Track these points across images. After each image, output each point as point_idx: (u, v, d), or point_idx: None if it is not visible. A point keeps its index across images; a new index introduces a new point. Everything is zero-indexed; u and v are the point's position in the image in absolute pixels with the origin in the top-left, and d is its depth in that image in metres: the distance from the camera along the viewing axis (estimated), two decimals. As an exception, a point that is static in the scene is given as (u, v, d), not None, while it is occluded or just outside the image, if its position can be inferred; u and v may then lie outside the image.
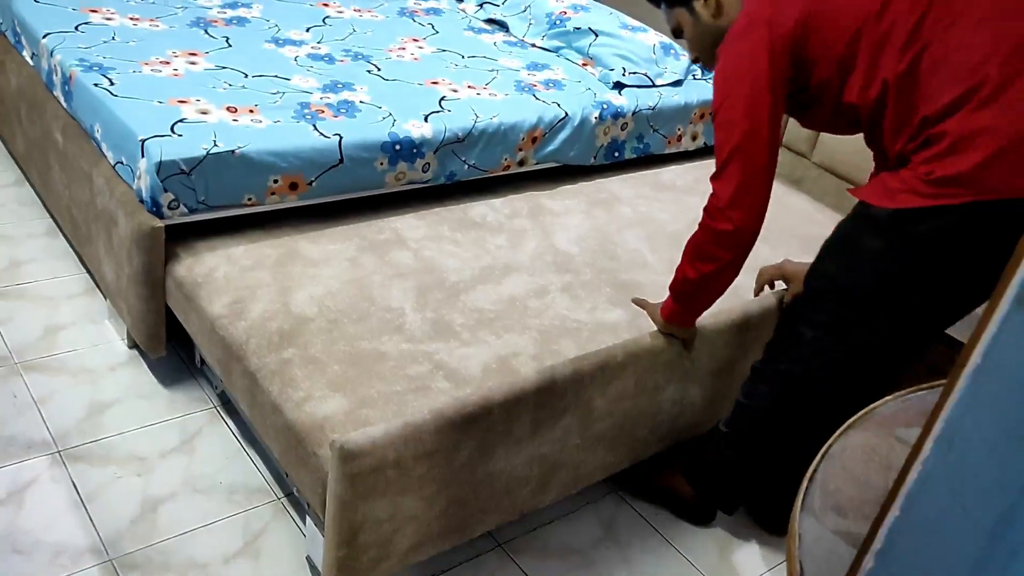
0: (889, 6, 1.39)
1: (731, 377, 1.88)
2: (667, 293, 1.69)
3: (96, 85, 1.98)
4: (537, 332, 1.72)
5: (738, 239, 1.51)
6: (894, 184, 1.39)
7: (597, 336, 1.73)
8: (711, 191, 1.52)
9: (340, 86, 2.22)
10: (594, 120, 2.42)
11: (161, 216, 1.81)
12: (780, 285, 1.90)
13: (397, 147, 2.06)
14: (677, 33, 1.63)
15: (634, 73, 2.62)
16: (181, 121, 1.89)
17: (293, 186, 1.94)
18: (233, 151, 1.84)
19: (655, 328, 1.75)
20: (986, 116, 1.30)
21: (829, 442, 1.08)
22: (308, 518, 1.57)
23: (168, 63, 2.15)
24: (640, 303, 1.81)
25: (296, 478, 1.50)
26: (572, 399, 1.59)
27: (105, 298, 2.12)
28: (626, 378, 1.67)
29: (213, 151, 1.82)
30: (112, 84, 1.99)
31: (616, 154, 2.52)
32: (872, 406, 1.17)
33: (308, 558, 1.63)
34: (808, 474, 1.05)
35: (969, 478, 0.58)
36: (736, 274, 1.58)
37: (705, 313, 1.70)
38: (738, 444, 1.74)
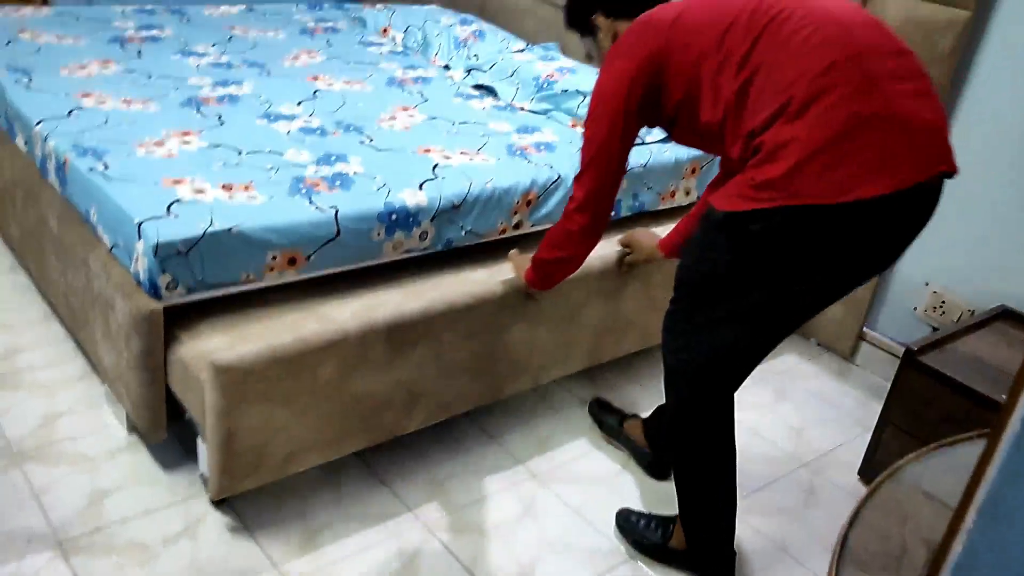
0: (726, 36, 1.56)
1: (577, 323, 2.31)
2: None
3: (91, 169, 1.98)
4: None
5: (580, 238, 1.86)
6: (731, 190, 1.55)
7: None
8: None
9: (334, 158, 2.23)
10: (587, 180, 2.43)
11: (159, 298, 1.79)
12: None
13: (393, 216, 2.06)
14: (589, 58, 1.94)
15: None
16: (177, 201, 1.88)
17: (291, 261, 1.93)
18: (230, 229, 1.83)
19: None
20: (794, 128, 1.44)
21: (859, 503, 1.05)
22: (199, 438, 1.82)
23: (162, 143, 2.16)
24: (512, 256, 2.14)
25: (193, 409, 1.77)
26: (422, 332, 1.98)
27: (103, 383, 2.09)
28: (472, 318, 2.05)
29: (210, 230, 1.81)
30: (107, 168, 1.99)
31: (612, 213, 2.52)
32: (897, 464, 1.15)
33: (201, 475, 1.85)
34: (840, 535, 1.03)
35: (1017, 553, 0.56)
36: (580, 263, 1.95)
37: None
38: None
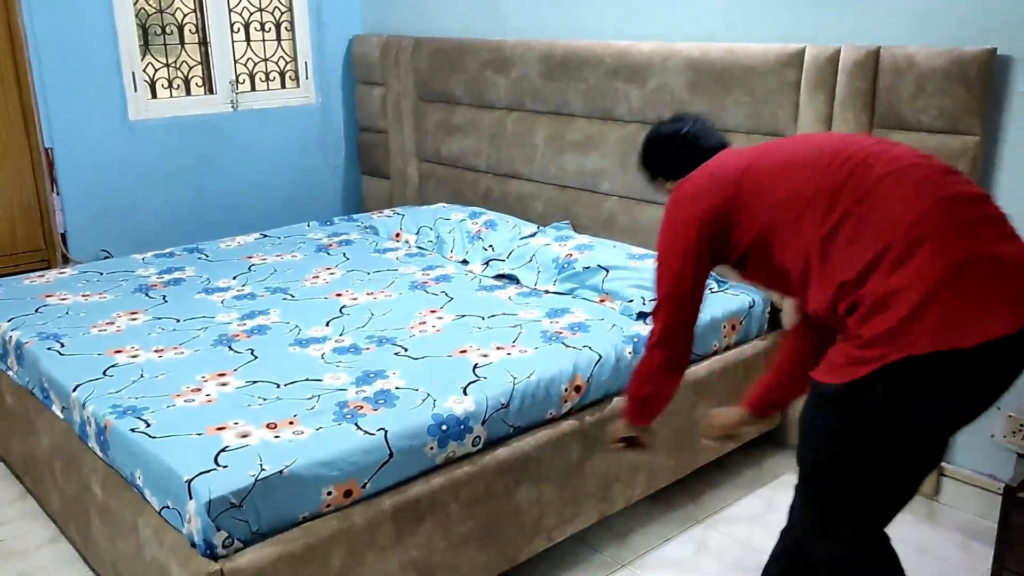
0: (808, 181, 1.55)
1: (581, 476, 2.26)
2: None
3: (133, 430, 1.93)
4: None
5: (663, 373, 1.86)
6: (837, 359, 1.50)
7: None
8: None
9: (372, 376, 2.19)
10: (628, 355, 2.38)
11: (216, 558, 1.70)
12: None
13: (444, 428, 1.99)
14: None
15: (653, 300, 2.61)
16: (224, 450, 1.82)
17: (347, 494, 1.85)
18: (281, 471, 1.76)
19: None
20: (899, 278, 1.41)
21: None
22: None
23: (199, 389, 2.12)
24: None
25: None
26: (427, 506, 1.95)
27: (161, 654, 1.95)
28: (474, 484, 2.03)
29: (261, 476, 1.74)
30: (148, 425, 1.95)
31: (691, 348, 2.41)
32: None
33: None
34: None
35: None
36: (670, 395, 1.91)
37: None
38: None
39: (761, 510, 2.57)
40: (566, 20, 3.35)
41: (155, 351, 2.37)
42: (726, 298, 2.71)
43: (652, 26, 3.07)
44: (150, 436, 1.90)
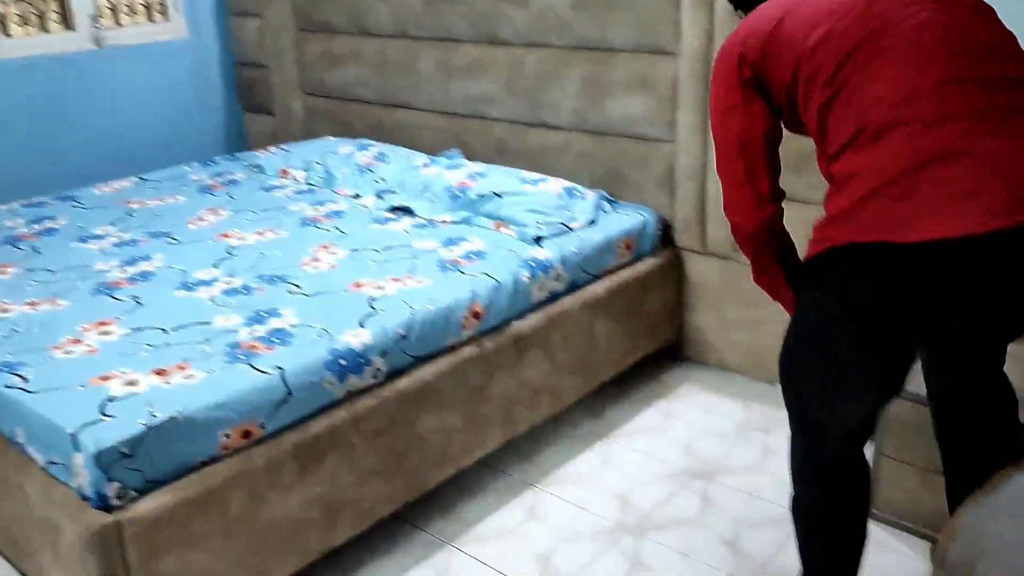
0: (820, 48, 1.45)
1: (484, 401, 2.21)
2: None
3: (8, 387, 1.83)
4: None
5: (738, 236, 1.70)
6: (815, 234, 1.46)
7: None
8: None
9: (265, 315, 2.13)
10: (526, 279, 2.38)
11: (110, 510, 1.64)
12: None
13: (342, 362, 1.96)
14: None
15: (548, 223, 2.62)
16: (110, 400, 1.75)
17: (246, 435, 1.80)
18: (174, 417, 1.70)
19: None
20: (862, 160, 1.37)
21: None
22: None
23: (79, 341, 2.02)
24: None
25: None
26: (329, 442, 1.92)
27: (62, 613, 1.89)
28: (376, 416, 2.01)
29: (152, 424, 1.68)
30: (26, 380, 1.84)
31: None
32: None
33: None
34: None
35: None
36: (764, 258, 1.68)
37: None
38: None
39: (659, 421, 2.65)
40: (446, -59, 3.25)
41: (28, 304, 2.24)
42: (619, 218, 2.74)
43: (534, -55, 3.00)
44: (28, 391, 1.80)
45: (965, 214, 1.28)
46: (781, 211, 1.66)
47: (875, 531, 1.94)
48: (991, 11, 1.47)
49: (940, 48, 1.38)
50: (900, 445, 2.03)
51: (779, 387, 1.64)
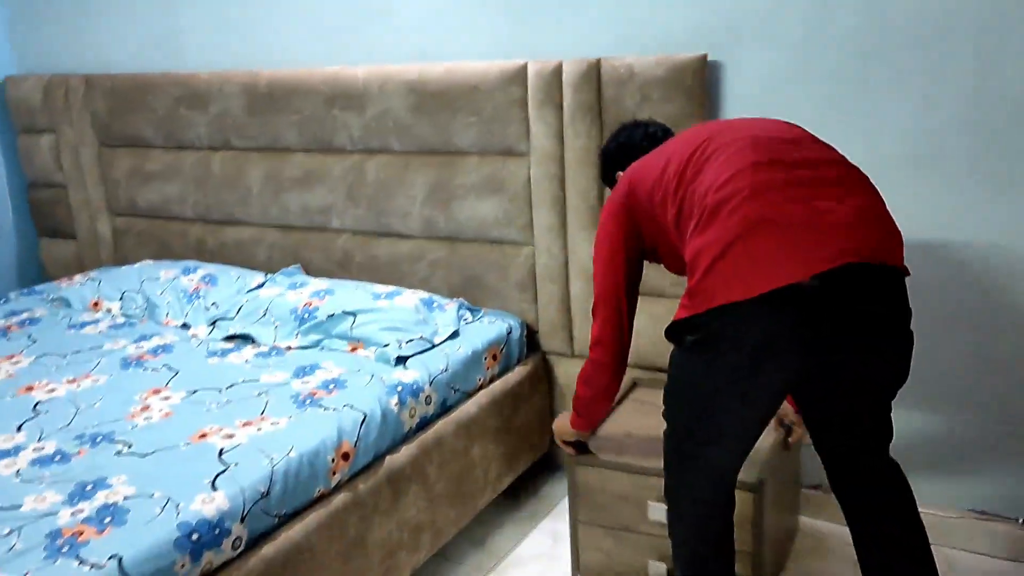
0: (668, 166, 1.73)
1: (363, 553, 2.02)
2: None
3: None
4: None
5: (602, 372, 1.94)
6: (680, 304, 1.62)
7: None
8: None
9: (90, 487, 1.77)
10: (394, 407, 2.15)
11: None
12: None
13: (195, 537, 1.64)
14: None
15: (410, 341, 2.41)
16: None
17: (78, 653, 1.44)
18: (-21, 648, 1.33)
19: None
20: (704, 238, 1.54)
21: None
22: None
23: None
24: (556, 422, 2.19)
25: None
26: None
27: None
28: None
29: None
30: None
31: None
32: None
33: None
34: None
35: None
36: (612, 396, 2.01)
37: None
38: None
39: (549, 544, 2.45)
40: (266, 48, 3.05)
41: None
42: (482, 327, 2.58)
43: (365, 49, 2.86)
44: None
45: (792, 263, 1.46)
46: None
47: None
48: (798, 127, 1.74)
49: (753, 144, 1.62)
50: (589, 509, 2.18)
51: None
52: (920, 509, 1.72)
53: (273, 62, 3.02)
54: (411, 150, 2.76)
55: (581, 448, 2.15)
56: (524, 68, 2.52)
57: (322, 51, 2.94)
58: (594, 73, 2.42)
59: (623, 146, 2.07)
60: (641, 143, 2.02)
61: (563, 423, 2.14)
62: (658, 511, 2.01)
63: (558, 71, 2.47)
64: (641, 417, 2.30)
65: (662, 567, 2.09)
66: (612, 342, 1.90)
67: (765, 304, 1.46)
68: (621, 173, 2.00)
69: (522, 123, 2.56)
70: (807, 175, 1.56)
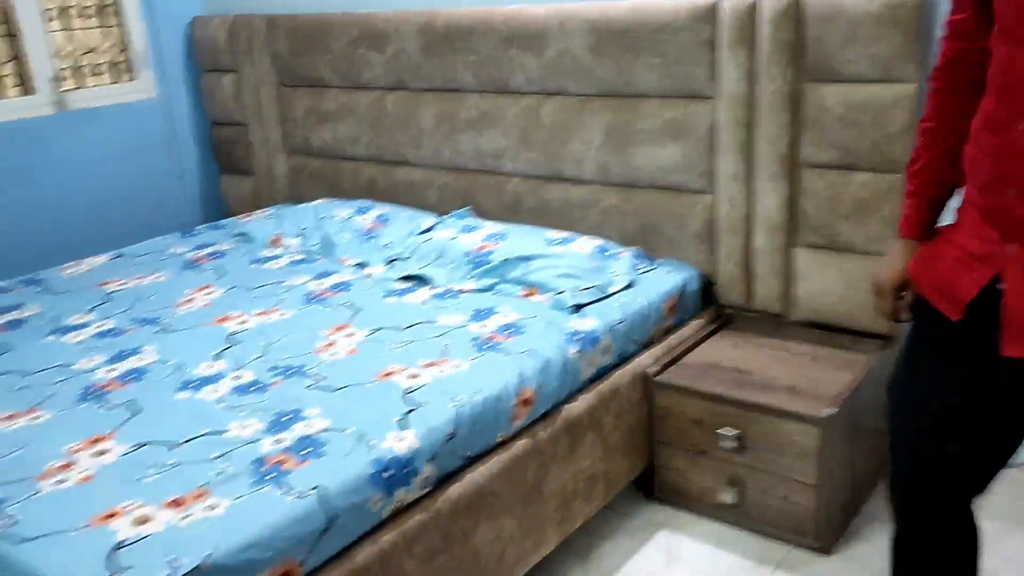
0: None
1: (540, 498, 1.97)
2: None
3: (-9, 535, 1.51)
4: None
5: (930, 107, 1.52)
6: None
7: None
8: None
9: (288, 418, 1.83)
10: (574, 355, 2.12)
11: None
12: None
13: (387, 474, 1.68)
14: None
15: (585, 289, 2.37)
16: (121, 546, 1.43)
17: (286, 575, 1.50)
18: (198, 566, 1.40)
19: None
20: None
21: None
22: None
23: (70, 465, 1.70)
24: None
25: None
26: (379, 572, 1.64)
27: None
28: (429, 534, 1.74)
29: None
30: (14, 524, 1.52)
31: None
32: None
33: None
34: None
35: None
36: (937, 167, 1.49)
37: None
38: None
39: (662, 563, 2.27)
40: (443, -14, 3.02)
41: (4, 417, 1.91)
42: (658, 278, 2.50)
43: (543, -14, 2.79)
44: (16, 538, 1.48)
45: None
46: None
47: None
48: None
49: None
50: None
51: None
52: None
53: (451, 2, 2.98)
54: (589, 92, 2.69)
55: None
56: (714, 6, 2.38)
57: (500, -11, 2.88)
58: (794, 10, 2.26)
59: None
60: None
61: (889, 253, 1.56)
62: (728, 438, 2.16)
63: (753, 8, 2.32)
64: (729, 350, 2.42)
65: (731, 491, 2.20)
66: (953, 78, 1.48)
67: None
68: None
69: (709, 65, 2.43)
70: None
